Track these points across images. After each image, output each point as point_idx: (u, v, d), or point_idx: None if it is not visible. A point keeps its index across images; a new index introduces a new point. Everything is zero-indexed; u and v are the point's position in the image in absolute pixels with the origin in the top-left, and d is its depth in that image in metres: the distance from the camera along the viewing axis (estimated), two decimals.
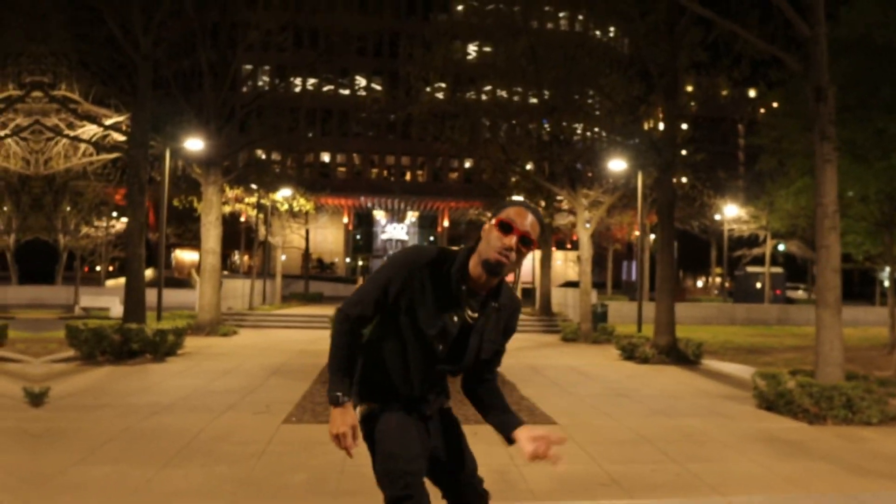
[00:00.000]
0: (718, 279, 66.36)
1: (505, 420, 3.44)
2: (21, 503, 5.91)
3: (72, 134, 19.79)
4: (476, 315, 3.31)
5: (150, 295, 21.05)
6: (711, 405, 12.08)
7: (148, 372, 14.72)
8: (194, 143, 22.85)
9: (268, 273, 41.62)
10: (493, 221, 3.19)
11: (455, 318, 3.27)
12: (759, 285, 48.10)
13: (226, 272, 53.17)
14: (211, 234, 24.26)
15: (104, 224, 45.03)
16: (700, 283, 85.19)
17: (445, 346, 3.29)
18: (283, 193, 39.51)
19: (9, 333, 18.05)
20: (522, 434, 3.29)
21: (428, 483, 3.27)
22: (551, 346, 22.97)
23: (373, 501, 3.74)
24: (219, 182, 24.64)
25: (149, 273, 39.57)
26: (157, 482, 6.63)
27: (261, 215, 38.95)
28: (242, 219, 43.77)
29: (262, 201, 37.75)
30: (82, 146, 20.31)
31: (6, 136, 18.99)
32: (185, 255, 71.21)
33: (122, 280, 41.15)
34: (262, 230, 39.90)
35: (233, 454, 7.81)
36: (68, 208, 39.64)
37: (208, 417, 9.81)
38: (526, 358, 19.01)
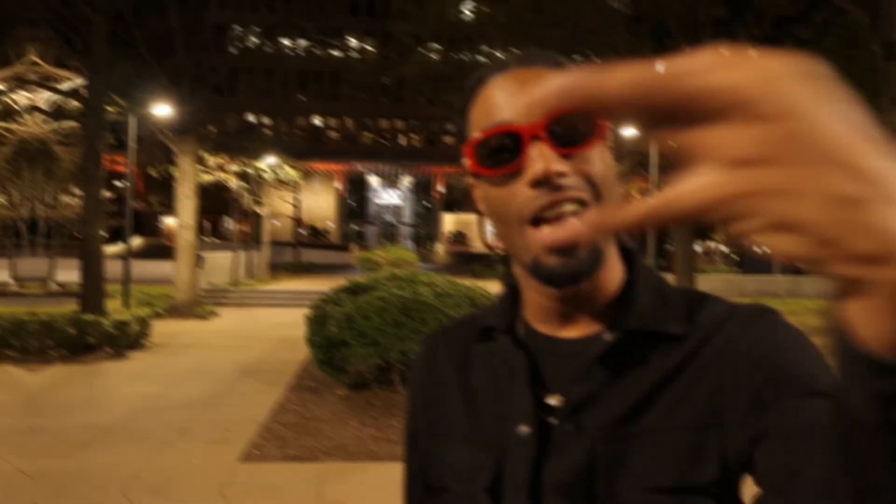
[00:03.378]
0: (714, 244, 65.09)
1: None
2: None
3: (25, 99, 18.02)
4: (568, 397, 1.01)
5: (134, 268, 19.50)
6: None
7: (101, 374, 12.84)
8: (163, 109, 20.87)
9: (256, 242, 40.04)
10: (467, 152, 1.06)
11: (524, 428, 1.01)
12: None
13: (216, 240, 51.58)
14: (186, 206, 22.33)
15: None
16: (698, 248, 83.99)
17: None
18: (269, 161, 37.63)
19: None
20: None
21: None
22: None
23: None
24: (194, 150, 22.63)
25: (136, 242, 37.86)
26: None
27: (244, 184, 37.19)
28: (232, 184, 42.12)
29: (246, 170, 35.90)
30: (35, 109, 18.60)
31: None
32: (175, 222, 69.86)
33: (112, 248, 39.56)
34: (246, 200, 38.21)
35: None
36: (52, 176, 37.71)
37: (150, 451, 7.94)
38: None
